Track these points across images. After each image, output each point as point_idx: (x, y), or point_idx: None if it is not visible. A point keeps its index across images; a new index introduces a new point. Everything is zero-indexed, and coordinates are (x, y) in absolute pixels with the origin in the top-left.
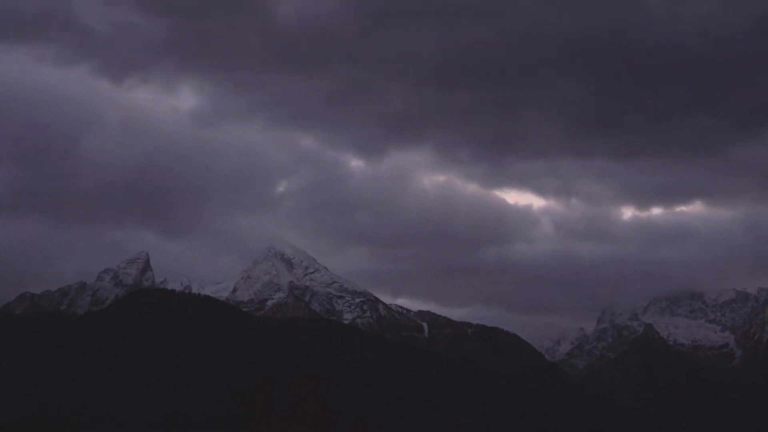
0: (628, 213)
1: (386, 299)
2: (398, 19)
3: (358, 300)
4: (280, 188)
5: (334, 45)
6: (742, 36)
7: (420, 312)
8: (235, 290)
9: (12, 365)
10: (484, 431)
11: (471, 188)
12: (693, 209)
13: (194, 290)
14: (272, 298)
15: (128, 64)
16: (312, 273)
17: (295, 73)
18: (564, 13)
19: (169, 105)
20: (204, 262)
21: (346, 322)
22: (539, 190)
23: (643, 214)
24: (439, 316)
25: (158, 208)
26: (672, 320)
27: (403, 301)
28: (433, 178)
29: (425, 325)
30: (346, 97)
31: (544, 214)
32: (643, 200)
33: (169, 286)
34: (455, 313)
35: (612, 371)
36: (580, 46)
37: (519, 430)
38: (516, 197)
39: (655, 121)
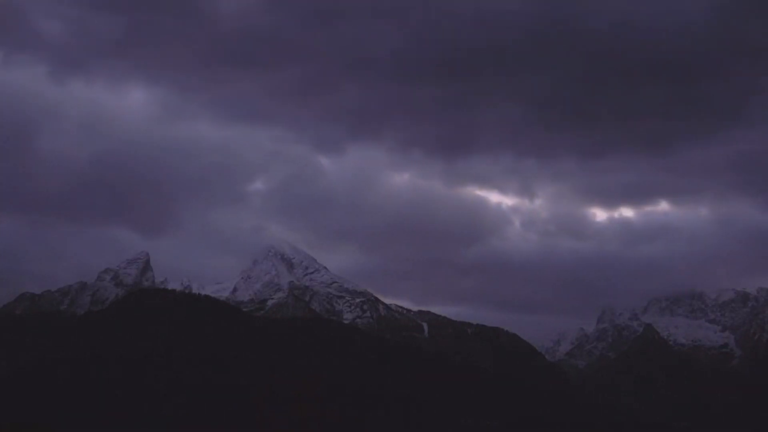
0: (596, 212)
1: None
2: (351, 14)
3: (358, 300)
4: (253, 185)
5: (282, 43)
6: (706, 34)
7: (420, 312)
8: (235, 290)
9: (12, 365)
10: (484, 431)
11: (435, 186)
12: (660, 208)
13: (194, 290)
14: (272, 298)
15: (79, 62)
16: (312, 273)
17: (245, 70)
18: (528, 8)
19: (122, 103)
20: (190, 260)
21: (346, 322)
22: (501, 188)
23: (613, 214)
24: (439, 316)
25: (124, 204)
26: (672, 320)
27: (389, 301)
28: (398, 176)
29: (425, 325)
30: (303, 93)
31: (513, 213)
32: (609, 200)
33: (169, 286)
34: (455, 313)
35: (612, 371)
36: (544, 42)
37: (519, 430)
38: (481, 195)
39: (618, 119)
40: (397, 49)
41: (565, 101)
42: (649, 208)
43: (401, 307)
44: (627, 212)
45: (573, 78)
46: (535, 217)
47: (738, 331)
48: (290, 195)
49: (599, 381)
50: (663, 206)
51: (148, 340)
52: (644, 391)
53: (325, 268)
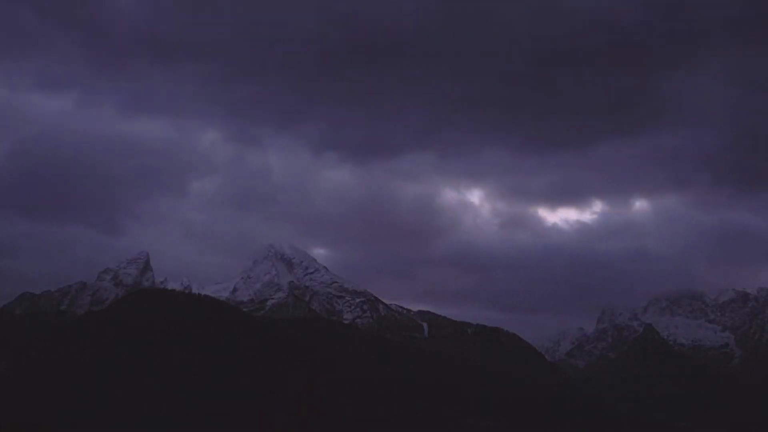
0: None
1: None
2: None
3: (358, 300)
4: (194, 181)
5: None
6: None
7: (420, 312)
8: (235, 290)
9: (12, 365)
10: (484, 431)
11: (375, 181)
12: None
13: (194, 290)
14: (272, 298)
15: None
16: (312, 273)
17: (153, 65)
18: (451, 3)
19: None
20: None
21: (346, 322)
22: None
23: (550, 212)
24: (439, 316)
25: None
26: (672, 320)
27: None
28: (335, 171)
29: (425, 325)
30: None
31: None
32: (537, 198)
33: (169, 286)
34: (455, 313)
35: (612, 371)
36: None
37: (519, 430)
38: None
39: (541, 117)
40: (317, 42)
41: (491, 98)
42: (582, 207)
43: (401, 307)
44: (567, 211)
45: (497, 75)
46: (475, 213)
47: (738, 331)
48: (234, 189)
49: (599, 381)
50: (596, 205)
51: (149, 341)
52: (644, 391)
53: (325, 268)
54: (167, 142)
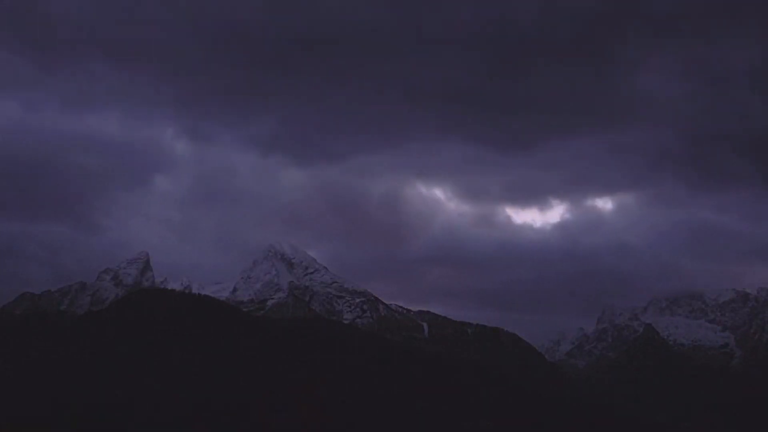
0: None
1: None
2: None
3: (358, 300)
4: (157, 178)
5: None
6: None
7: (420, 312)
8: (235, 290)
9: (12, 365)
10: (484, 431)
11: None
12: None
13: (194, 290)
14: (272, 298)
15: None
16: (312, 273)
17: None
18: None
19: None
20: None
21: (346, 322)
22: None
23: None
24: (439, 316)
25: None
26: (672, 320)
27: None
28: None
29: (425, 325)
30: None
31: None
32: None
33: (169, 286)
34: (455, 313)
35: (612, 371)
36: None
37: (519, 430)
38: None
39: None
40: (271, 36)
41: (451, 94)
42: (541, 205)
43: (401, 307)
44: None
45: (457, 70)
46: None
47: (738, 331)
48: (196, 186)
49: (599, 381)
50: (556, 203)
51: (149, 340)
52: (644, 391)
53: (325, 268)
54: (121, 139)
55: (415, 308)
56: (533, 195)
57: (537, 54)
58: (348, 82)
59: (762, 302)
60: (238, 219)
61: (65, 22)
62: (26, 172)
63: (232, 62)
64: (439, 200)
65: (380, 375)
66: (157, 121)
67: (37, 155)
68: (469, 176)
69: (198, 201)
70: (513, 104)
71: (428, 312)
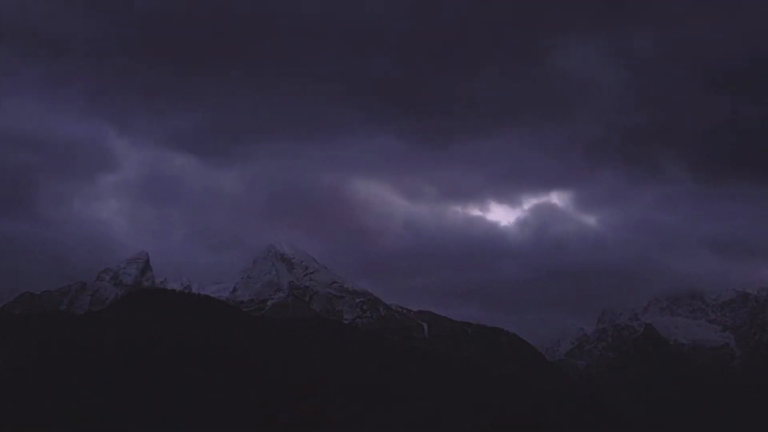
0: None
1: None
2: None
3: (358, 300)
4: (108, 177)
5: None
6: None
7: (420, 312)
8: (235, 290)
9: (12, 365)
10: (484, 431)
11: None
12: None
13: (194, 290)
14: (272, 298)
15: None
16: (312, 273)
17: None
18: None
19: None
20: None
21: (346, 322)
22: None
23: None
24: (439, 316)
25: None
26: (672, 320)
27: None
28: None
29: (425, 325)
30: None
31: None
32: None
33: (169, 286)
34: (455, 313)
35: (612, 371)
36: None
37: (519, 430)
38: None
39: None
40: (191, 30)
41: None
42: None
43: (401, 307)
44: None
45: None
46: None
47: (738, 331)
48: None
49: (599, 381)
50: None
51: (148, 340)
52: (644, 391)
53: (325, 268)
54: (45, 137)
55: (415, 308)
56: (465, 192)
57: (469, 52)
58: (281, 77)
59: (762, 302)
60: (179, 215)
61: None
62: None
63: (162, 58)
64: (379, 195)
65: (380, 375)
66: (84, 117)
67: None
68: (404, 174)
69: (137, 197)
70: (440, 102)
71: (428, 312)
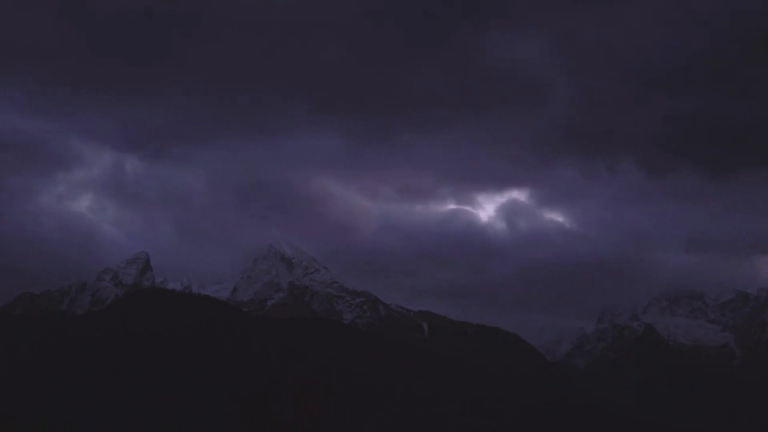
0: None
1: None
2: None
3: (358, 300)
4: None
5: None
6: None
7: (420, 312)
8: (235, 290)
9: (12, 365)
10: (484, 431)
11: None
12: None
13: (194, 290)
14: (272, 298)
15: None
16: (312, 273)
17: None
18: None
19: None
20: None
21: (346, 322)
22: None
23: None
24: (439, 316)
25: None
26: (672, 320)
27: None
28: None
29: (425, 325)
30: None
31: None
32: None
33: (169, 286)
34: (455, 313)
35: (612, 371)
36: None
37: (519, 430)
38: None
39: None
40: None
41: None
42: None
43: (401, 307)
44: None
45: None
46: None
47: (738, 331)
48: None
49: (599, 381)
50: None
51: (148, 341)
52: (644, 391)
53: (325, 268)
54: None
55: (415, 308)
56: (420, 189)
57: (416, 45)
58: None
59: (762, 302)
60: (134, 215)
61: None
62: None
63: (93, 54)
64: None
65: (380, 375)
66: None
67: None
68: (354, 170)
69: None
70: (387, 99)
71: (428, 312)
